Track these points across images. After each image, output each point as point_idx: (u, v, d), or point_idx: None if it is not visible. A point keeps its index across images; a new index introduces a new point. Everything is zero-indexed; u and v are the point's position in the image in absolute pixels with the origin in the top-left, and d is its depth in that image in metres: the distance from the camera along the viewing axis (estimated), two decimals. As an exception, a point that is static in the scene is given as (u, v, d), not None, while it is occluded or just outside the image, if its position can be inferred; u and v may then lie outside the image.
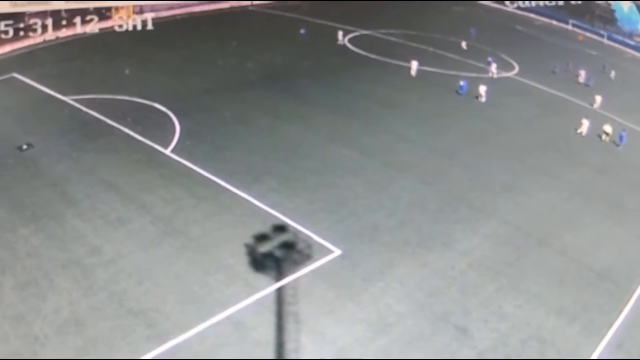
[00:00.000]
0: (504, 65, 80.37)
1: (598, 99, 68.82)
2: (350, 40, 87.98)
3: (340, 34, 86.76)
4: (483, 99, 63.44)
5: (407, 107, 62.06)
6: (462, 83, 67.19)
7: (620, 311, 33.38)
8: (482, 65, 79.12)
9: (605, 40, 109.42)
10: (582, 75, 77.30)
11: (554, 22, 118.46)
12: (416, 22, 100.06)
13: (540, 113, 63.78)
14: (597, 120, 60.16)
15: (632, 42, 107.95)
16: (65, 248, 36.98)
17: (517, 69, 79.84)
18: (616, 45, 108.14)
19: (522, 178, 47.55)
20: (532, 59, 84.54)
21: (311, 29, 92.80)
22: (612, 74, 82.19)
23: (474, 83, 67.12)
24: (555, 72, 79.66)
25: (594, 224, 42.28)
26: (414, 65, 72.08)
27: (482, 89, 64.01)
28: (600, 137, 58.31)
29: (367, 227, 39.74)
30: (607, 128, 58.13)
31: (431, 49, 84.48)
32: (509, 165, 49.72)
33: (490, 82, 69.54)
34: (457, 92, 66.39)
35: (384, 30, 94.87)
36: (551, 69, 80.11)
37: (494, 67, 74.81)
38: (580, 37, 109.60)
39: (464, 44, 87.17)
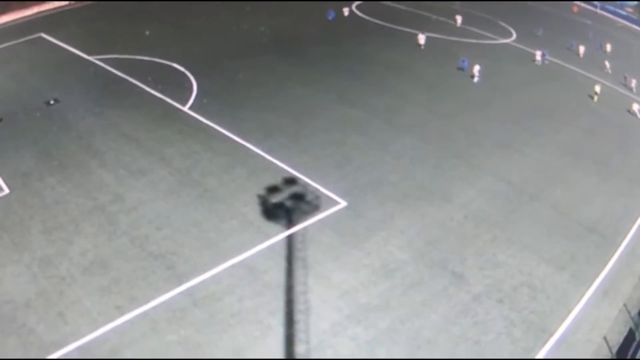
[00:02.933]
0: (502, 32, 79.96)
1: (607, 64, 69.73)
2: (358, 7, 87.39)
3: (346, 10, 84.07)
4: (476, 79, 61.19)
5: (411, 72, 61.70)
6: (463, 59, 64.86)
7: (606, 262, 33.62)
8: (480, 31, 78.73)
9: (598, 10, 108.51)
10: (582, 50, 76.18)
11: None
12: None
13: (535, 78, 63.36)
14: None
15: (623, 12, 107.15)
16: (90, 196, 37.48)
17: (514, 36, 79.36)
18: (609, 15, 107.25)
19: (517, 138, 47.47)
20: (529, 27, 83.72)
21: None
22: (607, 47, 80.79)
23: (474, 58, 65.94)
24: (572, 49, 77.60)
25: (583, 181, 42.33)
26: (422, 38, 70.45)
27: (476, 68, 61.62)
28: (592, 97, 58.36)
29: (371, 181, 39.96)
30: (597, 88, 58.40)
31: (434, 17, 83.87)
32: (505, 126, 49.63)
33: (485, 61, 68.81)
34: (459, 68, 64.22)
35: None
36: (567, 46, 78.12)
37: (538, 54, 71.15)
38: (575, 9, 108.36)
39: (459, 19, 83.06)
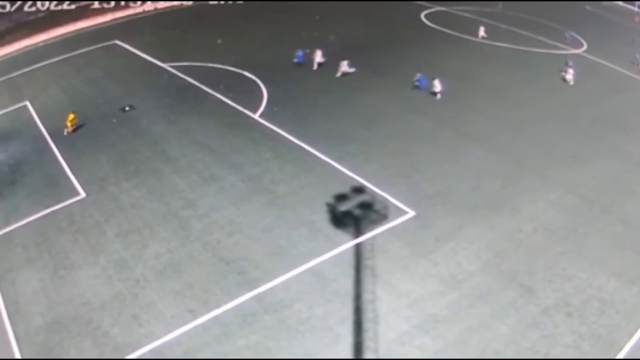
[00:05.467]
0: (573, 43, 78.87)
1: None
2: (426, 16, 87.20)
3: (317, 55, 67.14)
4: (439, 96, 56.34)
5: (480, 81, 61.15)
6: (418, 76, 58.25)
7: (678, 277, 33.06)
8: (550, 41, 77.81)
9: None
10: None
11: (620, 3, 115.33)
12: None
13: (606, 89, 62.38)
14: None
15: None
16: (164, 201, 38.27)
17: (585, 46, 78.23)
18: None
19: (588, 150, 46.80)
20: (600, 38, 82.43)
21: (388, 4, 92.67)
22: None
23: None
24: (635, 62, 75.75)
25: (654, 195, 41.67)
26: (344, 64, 61.53)
27: (436, 82, 56.40)
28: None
29: (440, 191, 39.82)
30: None
31: (504, 25, 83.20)
32: (576, 137, 48.89)
33: (556, 72, 67.95)
34: (415, 86, 58.34)
35: (459, 7, 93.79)
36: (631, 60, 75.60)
37: (570, 72, 64.45)
38: (637, 19, 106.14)
39: (482, 31, 78.87)
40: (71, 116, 48.42)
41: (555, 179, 41.86)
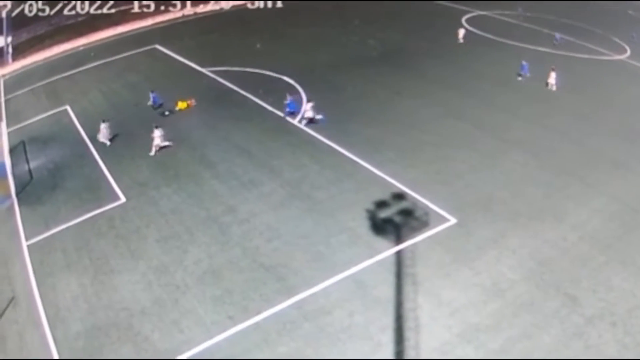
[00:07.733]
0: (616, 48, 77.85)
1: None
2: (467, 20, 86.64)
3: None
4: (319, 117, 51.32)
5: (519, 87, 60.49)
6: (289, 99, 52.61)
7: None
8: (593, 46, 76.75)
9: None
10: None
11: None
12: (532, 3, 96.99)
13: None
14: None
15: None
16: (204, 206, 38.53)
17: (629, 52, 77.00)
18: None
19: (632, 157, 45.79)
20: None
21: (428, 8, 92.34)
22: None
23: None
24: None
25: (702, 204, 40.83)
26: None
27: (310, 104, 51.42)
28: None
29: (481, 198, 39.32)
30: None
31: (546, 30, 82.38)
32: (619, 144, 47.92)
33: (597, 77, 67.30)
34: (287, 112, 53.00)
35: (499, 11, 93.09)
36: None
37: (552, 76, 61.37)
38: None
39: (460, 34, 76.71)
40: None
41: (599, 186, 41.16)
